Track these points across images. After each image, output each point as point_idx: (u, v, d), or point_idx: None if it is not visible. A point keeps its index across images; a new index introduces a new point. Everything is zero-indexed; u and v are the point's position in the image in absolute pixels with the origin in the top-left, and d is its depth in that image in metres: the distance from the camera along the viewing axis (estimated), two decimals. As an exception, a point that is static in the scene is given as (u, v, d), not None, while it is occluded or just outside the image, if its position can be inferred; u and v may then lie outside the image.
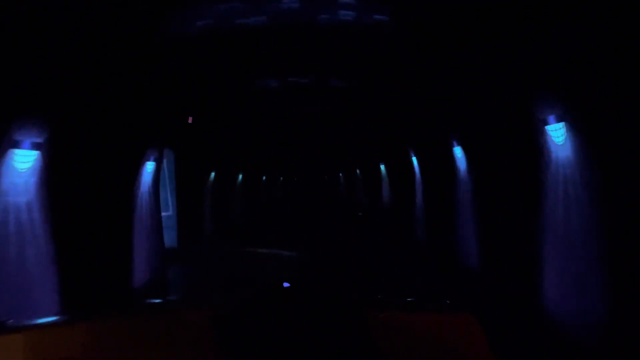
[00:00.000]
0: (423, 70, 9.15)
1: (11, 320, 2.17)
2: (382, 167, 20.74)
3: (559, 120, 5.64)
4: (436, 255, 11.94)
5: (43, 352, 1.85)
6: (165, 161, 14.12)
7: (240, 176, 22.72)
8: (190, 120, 12.33)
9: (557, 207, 5.95)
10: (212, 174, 17.24)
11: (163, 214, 13.84)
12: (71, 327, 1.95)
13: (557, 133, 5.71)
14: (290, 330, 1.05)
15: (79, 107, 6.65)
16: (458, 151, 9.81)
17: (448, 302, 2.24)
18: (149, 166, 9.63)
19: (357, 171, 29.57)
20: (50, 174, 6.06)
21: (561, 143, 5.69)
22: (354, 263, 11.87)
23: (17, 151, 5.54)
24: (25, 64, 5.31)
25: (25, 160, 5.63)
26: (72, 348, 1.83)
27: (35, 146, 5.75)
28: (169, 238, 13.99)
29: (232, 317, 1.11)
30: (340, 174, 37.54)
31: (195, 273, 11.79)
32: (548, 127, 5.89)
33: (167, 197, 14.76)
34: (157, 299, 8.84)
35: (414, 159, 14.14)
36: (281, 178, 39.53)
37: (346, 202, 33.18)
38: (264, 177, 31.07)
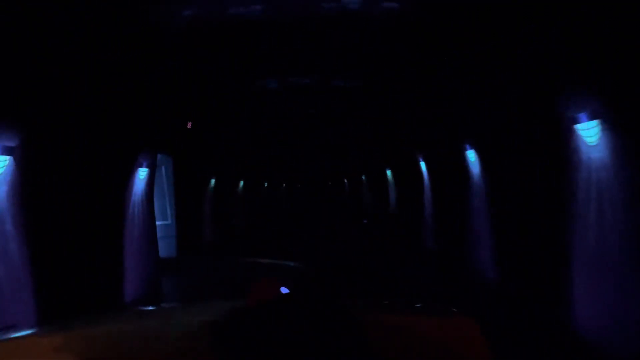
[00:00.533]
0: (431, 68, 8.59)
1: (13, 327, 2.11)
2: (389, 172, 20.22)
3: (591, 118, 5.02)
4: (447, 265, 11.38)
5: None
6: (163, 168, 13.68)
7: (242, 182, 22.22)
8: (189, 125, 11.91)
9: (590, 214, 5.33)
10: (212, 181, 16.77)
11: (162, 222, 13.37)
12: (67, 334, 1.88)
13: (589, 132, 5.10)
14: (290, 336, 0.99)
15: (59, 107, 6.10)
16: (471, 155, 9.22)
17: (455, 310, 2.03)
18: (142, 173, 9.08)
19: (362, 177, 29.02)
20: (25, 181, 5.49)
21: (594, 143, 5.07)
22: (360, 272, 11.37)
23: (-15, 156, 4.99)
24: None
25: (-6, 166, 5.07)
26: (69, 355, 1.76)
27: (6, 150, 5.18)
28: (168, 248, 13.55)
29: (229, 323, 1.06)
30: (345, 180, 36.96)
31: (194, 285, 11.30)
32: (578, 126, 5.28)
33: (166, 205, 14.32)
34: (150, 306, 8.38)
35: (422, 164, 13.58)
36: (284, 184, 39.00)
37: (351, 208, 32.61)
38: (265, 184, 30.58)
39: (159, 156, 11.41)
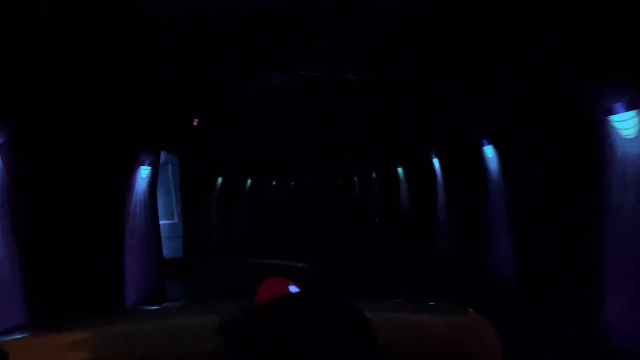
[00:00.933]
0: (446, 59, 8.15)
1: (13, 330, 2.04)
2: (400, 169, 19.80)
3: (629, 109, 4.56)
4: (462, 265, 10.98)
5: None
6: (169, 166, 13.40)
7: (249, 181, 21.91)
8: (195, 122, 11.60)
9: (625, 212, 4.87)
10: (219, 179, 16.46)
11: (168, 221, 13.07)
12: (65, 335, 1.82)
13: (626, 124, 4.64)
14: (299, 336, 0.92)
15: (53, 102, 5.75)
16: (489, 150, 8.77)
17: (470, 309, 1.87)
18: (144, 171, 8.74)
19: (373, 175, 28.60)
20: (14, 180, 5.14)
21: (632, 136, 4.61)
22: (371, 271, 11.04)
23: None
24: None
25: (-22, 164, 4.72)
26: (69, 356, 1.72)
27: (-8, 147, 4.84)
28: (175, 247, 13.27)
29: (236, 323, 0.98)
30: (355, 178, 36.56)
31: (199, 286, 10.97)
32: (613, 118, 4.82)
33: (173, 204, 14.06)
34: (154, 306, 8.18)
35: (435, 161, 13.15)
36: (292, 182, 38.68)
37: (361, 207, 32.23)
38: (274, 182, 30.27)
39: (165, 154, 11.11)
